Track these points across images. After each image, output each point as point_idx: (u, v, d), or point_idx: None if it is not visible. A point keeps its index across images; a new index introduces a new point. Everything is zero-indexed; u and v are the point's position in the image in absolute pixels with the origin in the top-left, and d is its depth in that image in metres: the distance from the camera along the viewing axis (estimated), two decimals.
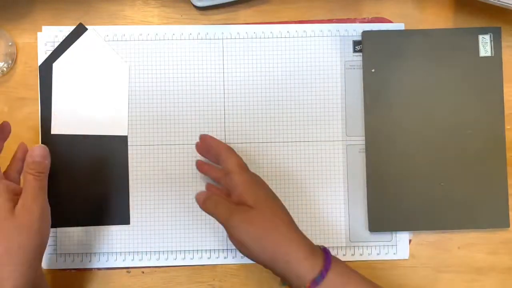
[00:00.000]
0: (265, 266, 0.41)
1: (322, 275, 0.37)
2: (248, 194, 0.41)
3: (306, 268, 0.38)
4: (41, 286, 0.43)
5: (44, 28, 0.51)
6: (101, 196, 0.50)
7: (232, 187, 0.43)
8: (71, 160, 0.50)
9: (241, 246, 0.40)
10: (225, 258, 0.51)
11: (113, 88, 0.51)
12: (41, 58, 0.51)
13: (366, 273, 0.51)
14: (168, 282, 0.51)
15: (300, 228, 0.51)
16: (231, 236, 0.41)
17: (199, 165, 0.49)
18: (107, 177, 0.50)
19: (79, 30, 0.51)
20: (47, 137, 0.50)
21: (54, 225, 0.49)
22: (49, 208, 0.41)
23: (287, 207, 0.49)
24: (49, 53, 0.51)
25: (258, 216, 0.40)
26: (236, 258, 0.51)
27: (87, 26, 0.51)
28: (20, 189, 0.41)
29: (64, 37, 0.51)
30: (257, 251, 0.39)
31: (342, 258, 0.51)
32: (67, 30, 0.51)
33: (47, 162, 0.42)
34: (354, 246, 0.51)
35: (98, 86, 0.51)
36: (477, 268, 0.51)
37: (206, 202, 0.43)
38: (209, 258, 0.51)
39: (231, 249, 0.51)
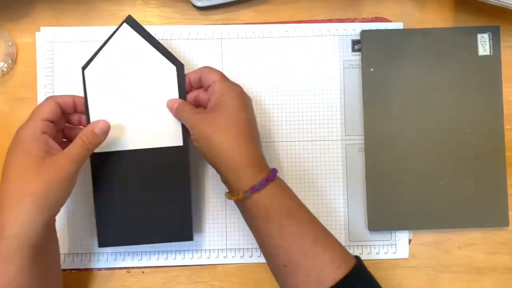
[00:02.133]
0: (212, 165, 0.42)
1: (261, 183, 0.39)
2: (221, 99, 0.42)
3: (248, 175, 0.39)
4: (53, 240, 0.43)
5: (42, 28, 0.51)
6: (161, 211, 0.46)
7: (211, 94, 0.43)
8: (117, 177, 0.46)
9: (196, 143, 0.42)
10: (225, 258, 0.51)
11: (159, 94, 0.46)
12: (40, 59, 0.51)
13: None
14: (168, 282, 0.51)
15: None
16: (191, 135, 0.43)
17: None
18: (165, 189, 0.46)
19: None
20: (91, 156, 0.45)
21: (113, 244, 0.47)
22: (74, 182, 0.41)
23: None
24: (48, 53, 0.51)
25: (216, 118, 0.41)
26: (236, 258, 0.51)
27: (87, 26, 0.51)
28: (57, 148, 0.41)
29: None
30: (205, 149, 0.41)
31: None
32: (64, 30, 0.51)
33: (102, 139, 0.43)
34: (353, 246, 0.51)
35: (140, 93, 0.46)
36: (477, 268, 0.51)
37: (177, 108, 0.44)
38: (208, 258, 0.51)
39: (231, 249, 0.51)
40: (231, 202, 0.51)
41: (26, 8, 0.52)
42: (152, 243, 0.48)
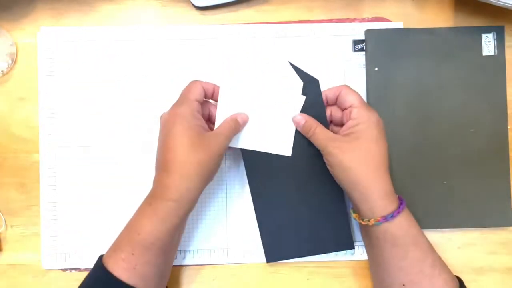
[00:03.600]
0: (343, 188, 0.44)
1: (392, 215, 0.41)
2: (360, 127, 0.43)
3: (380, 206, 0.41)
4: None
5: (42, 28, 0.51)
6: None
7: (348, 119, 0.45)
8: (275, 193, 0.49)
9: (331, 168, 0.44)
10: (225, 258, 0.51)
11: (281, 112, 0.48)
12: (40, 59, 0.51)
13: (366, 273, 0.51)
14: (168, 282, 0.51)
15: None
16: (326, 159, 0.44)
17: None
18: (321, 200, 0.49)
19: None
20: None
21: (279, 259, 0.49)
22: (224, 155, 0.45)
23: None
24: (48, 53, 0.51)
25: (354, 148, 0.42)
26: (236, 258, 0.51)
27: (87, 26, 0.51)
28: (207, 127, 0.45)
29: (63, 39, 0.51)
30: (342, 177, 0.43)
31: (343, 258, 0.51)
32: (64, 30, 0.51)
33: (241, 129, 0.47)
34: (354, 246, 0.51)
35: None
36: (477, 268, 0.51)
37: (305, 125, 0.46)
38: (209, 258, 0.51)
39: (231, 249, 0.51)
40: (232, 202, 0.51)
41: (26, 8, 0.52)
42: (315, 254, 0.49)
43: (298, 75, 0.48)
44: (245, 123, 0.47)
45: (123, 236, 0.41)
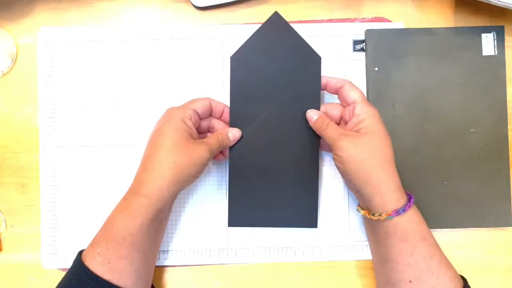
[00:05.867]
0: (354, 186, 0.44)
1: (404, 209, 0.42)
2: (366, 123, 0.44)
3: (392, 198, 0.42)
4: (166, 219, 0.48)
5: (42, 28, 0.51)
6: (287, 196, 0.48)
7: (352, 115, 0.45)
8: (251, 163, 0.48)
9: (341, 164, 0.44)
10: (225, 258, 0.51)
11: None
12: (40, 59, 0.51)
13: (366, 273, 0.51)
14: (168, 282, 0.51)
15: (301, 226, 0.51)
16: (336, 155, 0.44)
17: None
18: (295, 177, 0.48)
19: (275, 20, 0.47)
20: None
21: (240, 224, 0.49)
22: (202, 171, 0.45)
23: None
24: (48, 53, 0.51)
25: (366, 142, 0.43)
26: (236, 258, 0.51)
27: (87, 26, 0.51)
28: (196, 135, 0.46)
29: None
30: (352, 172, 0.43)
31: (343, 258, 0.51)
32: (64, 30, 0.51)
33: (231, 144, 0.47)
34: (354, 245, 0.51)
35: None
36: (477, 268, 0.51)
37: (317, 120, 0.46)
38: (209, 258, 0.51)
39: (231, 249, 0.51)
40: None
41: (26, 8, 0.52)
42: (277, 226, 0.49)
43: (300, 46, 0.47)
44: (235, 138, 0.47)
45: (100, 231, 0.42)
